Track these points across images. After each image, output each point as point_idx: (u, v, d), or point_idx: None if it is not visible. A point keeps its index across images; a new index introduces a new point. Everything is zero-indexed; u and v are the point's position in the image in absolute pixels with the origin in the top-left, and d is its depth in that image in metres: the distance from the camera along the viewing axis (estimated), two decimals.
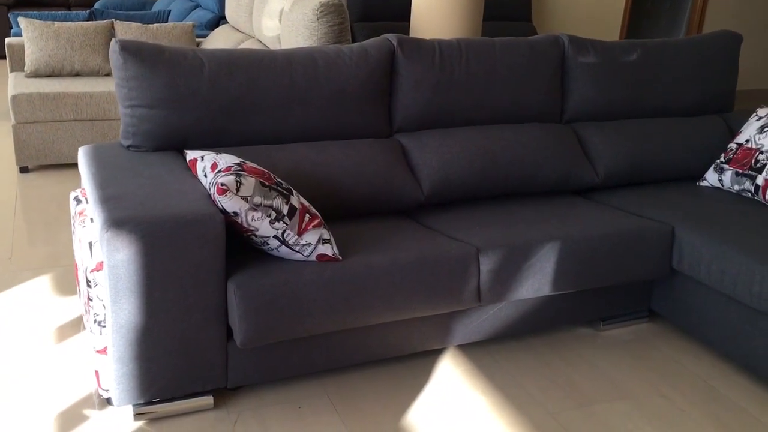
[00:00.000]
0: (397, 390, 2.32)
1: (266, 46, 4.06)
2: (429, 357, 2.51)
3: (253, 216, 2.01)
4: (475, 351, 2.56)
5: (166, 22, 5.34)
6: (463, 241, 2.38)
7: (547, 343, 2.64)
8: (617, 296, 2.71)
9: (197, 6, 6.18)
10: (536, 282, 2.41)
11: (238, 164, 2.08)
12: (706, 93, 3.30)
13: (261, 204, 2.01)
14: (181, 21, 6.08)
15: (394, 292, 2.19)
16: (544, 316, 2.59)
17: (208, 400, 2.16)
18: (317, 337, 2.22)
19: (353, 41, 4.93)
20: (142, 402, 2.07)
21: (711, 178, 3.07)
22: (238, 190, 1.99)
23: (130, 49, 2.39)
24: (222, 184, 1.98)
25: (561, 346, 2.62)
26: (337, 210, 2.53)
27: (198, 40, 5.20)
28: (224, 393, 2.25)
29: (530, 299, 2.52)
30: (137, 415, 2.09)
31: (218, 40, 4.76)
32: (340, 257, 2.15)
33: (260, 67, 2.51)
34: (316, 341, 2.23)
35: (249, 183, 2.01)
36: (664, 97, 3.22)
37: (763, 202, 2.85)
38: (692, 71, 3.26)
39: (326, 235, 2.13)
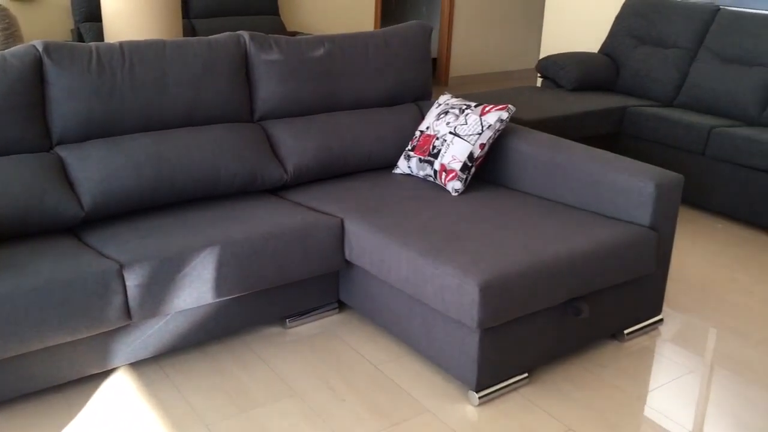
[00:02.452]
0: (44, 426, 2.18)
1: None
2: (94, 382, 2.39)
3: None
4: (146, 367, 2.48)
5: None
6: (110, 257, 2.28)
7: (228, 349, 2.60)
8: (305, 291, 2.73)
9: None
10: (195, 291, 2.36)
11: None
12: (400, 83, 3.40)
13: None
14: None
15: (21, 321, 2.04)
16: (224, 321, 2.55)
17: None
18: None
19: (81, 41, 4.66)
20: None
21: (402, 165, 3.17)
22: None
23: None
24: None
25: (243, 350, 2.60)
26: None
27: None
28: None
29: (205, 305, 2.47)
30: None
31: None
32: None
33: None
34: None
35: None
36: (357, 89, 3.28)
37: (442, 185, 2.98)
38: (385, 62, 3.34)
39: None
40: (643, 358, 2.65)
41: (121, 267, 2.22)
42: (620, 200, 2.64)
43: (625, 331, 2.75)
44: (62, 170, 2.56)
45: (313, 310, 2.82)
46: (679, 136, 4.16)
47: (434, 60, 7.82)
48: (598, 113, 4.34)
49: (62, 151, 2.60)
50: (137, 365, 2.49)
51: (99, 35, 4.72)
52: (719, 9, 4.63)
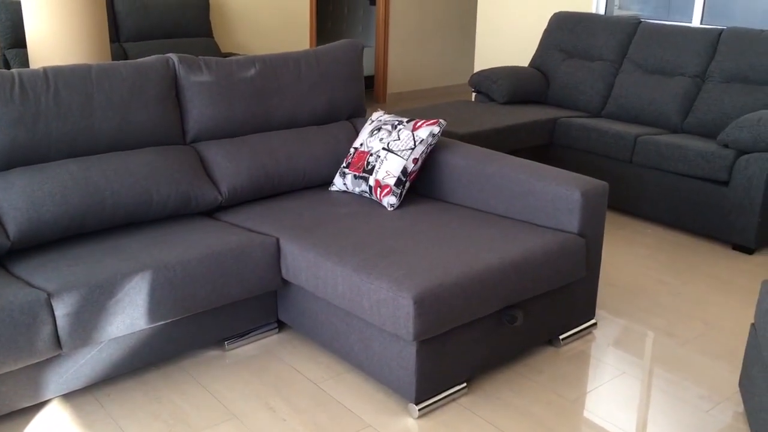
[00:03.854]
0: None
1: None
2: (25, 416, 2.32)
3: None
4: (80, 398, 2.42)
5: None
6: (38, 287, 2.22)
7: (165, 375, 2.56)
8: (243, 312, 2.71)
9: None
10: (127, 317, 2.32)
11: None
12: (333, 101, 3.43)
13: None
14: None
15: None
16: (160, 347, 2.51)
17: None
18: None
19: (7, 68, 4.55)
20: None
21: (338, 182, 3.19)
22: None
23: None
24: None
25: (180, 375, 2.56)
26: None
27: None
28: None
29: (139, 332, 2.43)
30: None
31: None
32: None
33: None
34: None
35: None
36: (290, 108, 3.29)
37: (377, 201, 3.01)
38: (317, 81, 3.36)
39: None
40: (578, 362, 2.72)
41: (49, 296, 2.17)
42: (549, 209, 2.71)
43: (561, 337, 2.81)
44: None
45: (252, 330, 2.80)
46: (607, 144, 4.30)
47: (371, 77, 7.90)
48: (529, 125, 4.45)
49: None
50: (71, 396, 2.42)
51: (26, 62, 4.61)
52: (640, 22, 4.81)
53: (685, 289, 3.36)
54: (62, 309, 2.18)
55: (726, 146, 3.85)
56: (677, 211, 4.01)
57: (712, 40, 4.42)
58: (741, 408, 2.45)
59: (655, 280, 3.45)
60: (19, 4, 4.71)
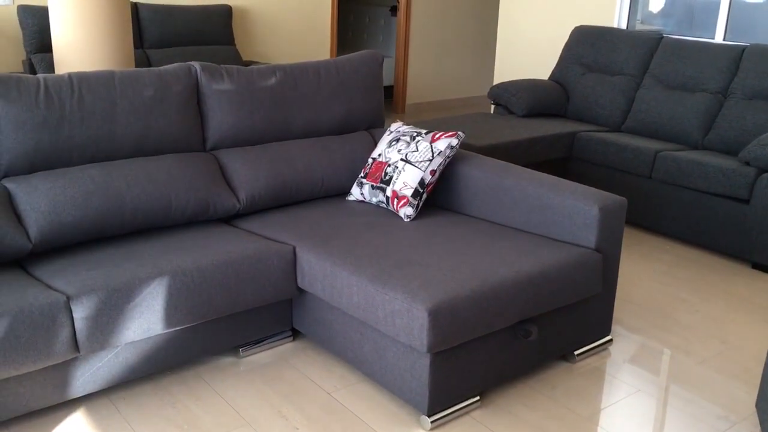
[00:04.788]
0: None
1: None
2: (41, 417, 2.34)
3: None
4: (96, 401, 2.44)
5: None
6: (57, 289, 2.25)
7: (180, 380, 2.58)
8: (257, 319, 2.73)
9: None
10: (144, 322, 2.34)
11: None
12: (352, 111, 3.45)
13: None
14: None
15: None
16: (176, 352, 2.53)
17: None
18: None
19: (33, 74, 4.62)
20: None
21: (355, 192, 3.20)
22: None
23: None
24: None
25: (195, 381, 2.58)
26: None
27: None
28: None
29: (156, 336, 2.45)
30: None
31: None
32: None
33: None
34: None
35: None
36: (309, 117, 3.31)
37: (394, 211, 3.02)
38: (337, 91, 3.39)
39: None
40: (593, 378, 2.70)
41: (68, 299, 2.20)
42: (566, 223, 2.70)
43: (575, 352, 2.80)
44: (9, 202, 2.52)
45: (267, 338, 2.82)
46: (626, 160, 4.28)
47: (391, 88, 7.92)
48: (548, 139, 4.45)
49: (9, 183, 2.57)
50: (86, 399, 2.45)
51: (51, 66, 4.68)
52: (662, 37, 4.79)
53: (703, 307, 3.33)
54: (81, 312, 2.21)
55: (747, 164, 3.82)
56: (697, 228, 3.98)
57: (735, 57, 4.39)
58: (758, 429, 2.42)
59: (673, 297, 3.42)
60: (45, 10, 4.78)
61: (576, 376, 2.70)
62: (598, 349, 2.88)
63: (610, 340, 2.93)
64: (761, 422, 2.32)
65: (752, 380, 2.71)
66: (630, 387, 2.65)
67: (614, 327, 3.09)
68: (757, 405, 2.43)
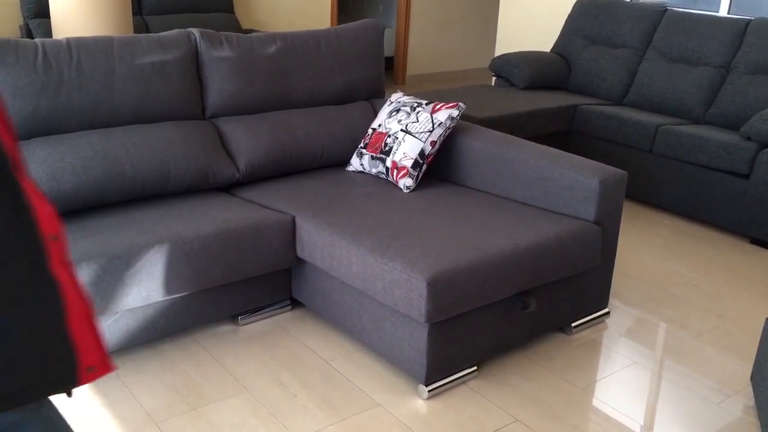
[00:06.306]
0: None
1: None
2: None
3: None
4: None
5: None
6: None
7: (179, 347, 2.60)
8: (257, 288, 2.74)
9: None
10: (144, 289, 2.34)
11: None
12: (353, 81, 3.42)
13: None
14: None
15: None
16: (175, 319, 2.54)
17: None
18: None
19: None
20: None
21: (355, 162, 3.19)
22: None
23: None
24: None
25: (194, 348, 2.59)
26: None
27: None
28: None
29: (155, 303, 2.46)
30: None
31: None
32: None
33: None
34: None
35: None
36: (309, 86, 3.29)
37: (393, 182, 3.01)
38: (338, 60, 3.35)
39: None
40: (589, 350, 2.72)
41: None
42: (566, 196, 2.70)
43: (572, 324, 2.81)
44: None
45: (266, 307, 2.83)
46: (627, 133, 4.26)
47: (391, 59, 7.86)
48: (549, 111, 4.42)
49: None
50: None
51: (49, 32, 4.63)
52: (666, 10, 4.75)
53: (701, 282, 3.34)
54: (80, 278, 2.21)
55: (748, 139, 3.81)
56: (696, 203, 3.98)
57: (739, 31, 4.36)
58: (752, 402, 2.44)
59: (671, 271, 3.44)
60: None
61: (572, 348, 2.72)
62: (595, 322, 2.90)
63: (607, 312, 2.95)
64: (755, 395, 2.35)
65: (748, 354, 2.73)
66: (626, 359, 2.67)
67: (611, 300, 3.11)
68: (751, 378, 2.45)
